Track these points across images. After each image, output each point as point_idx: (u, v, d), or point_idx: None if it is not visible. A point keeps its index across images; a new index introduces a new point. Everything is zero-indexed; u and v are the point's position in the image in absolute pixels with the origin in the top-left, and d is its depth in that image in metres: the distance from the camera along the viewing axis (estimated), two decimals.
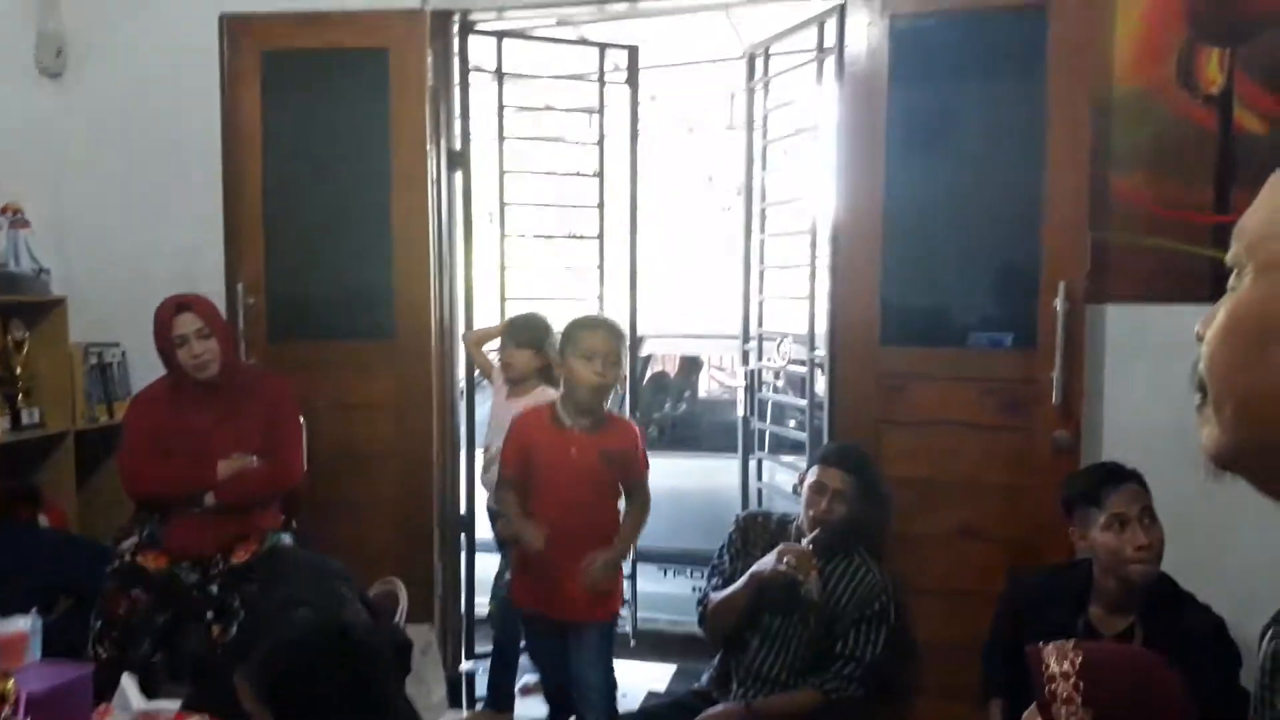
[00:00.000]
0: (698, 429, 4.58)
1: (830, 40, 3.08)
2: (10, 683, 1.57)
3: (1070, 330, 2.58)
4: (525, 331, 3.08)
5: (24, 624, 1.84)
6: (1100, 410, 2.64)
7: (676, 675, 3.55)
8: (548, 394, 2.84)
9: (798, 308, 3.24)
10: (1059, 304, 2.57)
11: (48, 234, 3.32)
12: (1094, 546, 2.17)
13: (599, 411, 2.53)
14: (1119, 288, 2.64)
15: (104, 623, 2.54)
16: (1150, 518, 2.12)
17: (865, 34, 2.85)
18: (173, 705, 1.76)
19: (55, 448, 3.20)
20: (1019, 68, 2.71)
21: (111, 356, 3.39)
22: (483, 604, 3.36)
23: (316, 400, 3.10)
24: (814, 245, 3.17)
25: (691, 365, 4.95)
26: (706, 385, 5.13)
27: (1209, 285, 2.60)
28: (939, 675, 2.72)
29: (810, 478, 2.56)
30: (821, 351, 3.05)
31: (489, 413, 3.18)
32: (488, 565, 3.32)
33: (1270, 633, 0.72)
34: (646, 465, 2.59)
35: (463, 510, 3.35)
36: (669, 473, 3.12)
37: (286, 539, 2.71)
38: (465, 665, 3.29)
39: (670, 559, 3.80)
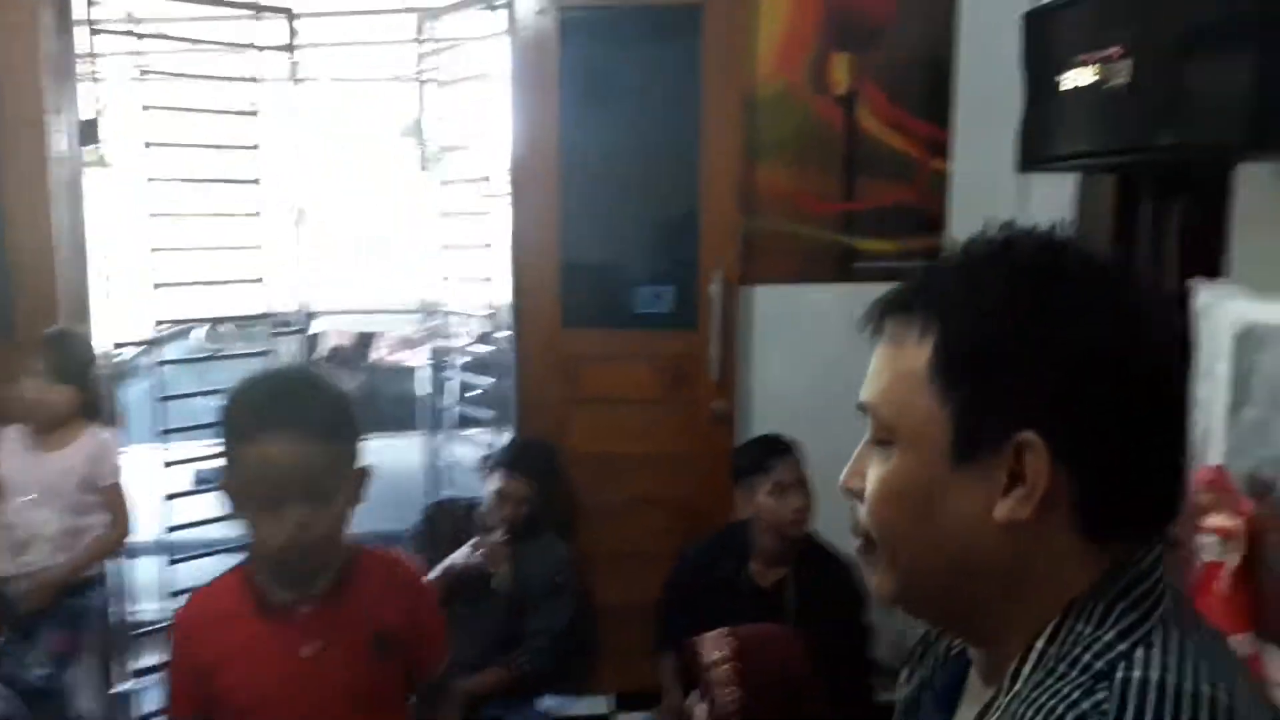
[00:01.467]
0: (375, 406, 4.48)
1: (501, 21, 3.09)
2: None
3: (726, 311, 2.82)
4: (68, 358, 2.34)
5: None
6: (751, 382, 2.93)
7: None
8: (100, 438, 2.39)
9: (483, 286, 3.26)
10: (715, 287, 2.81)
11: None
12: (759, 510, 2.44)
13: (333, 559, 1.35)
14: (766, 270, 2.92)
15: None
16: (804, 485, 2.40)
17: (535, 19, 2.88)
18: None
19: None
20: (682, 62, 2.87)
21: None
22: (147, 610, 3.12)
23: None
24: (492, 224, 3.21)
25: (364, 338, 4.81)
26: (381, 359, 5.00)
27: (833, 267, 2.95)
28: (621, 635, 2.91)
29: (493, 484, 2.62)
30: (506, 333, 3.12)
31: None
32: (148, 568, 3.10)
33: (908, 673, 0.86)
34: (443, 643, 1.49)
35: None
36: None
37: None
38: (125, 685, 3.03)
39: None
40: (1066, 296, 0.67)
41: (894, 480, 0.72)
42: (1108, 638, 0.65)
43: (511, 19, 3.01)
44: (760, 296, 2.91)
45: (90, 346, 2.50)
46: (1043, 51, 1.98)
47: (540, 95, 2.89)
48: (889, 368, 0.73)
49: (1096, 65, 1.79)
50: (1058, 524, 0.67)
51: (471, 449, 3.37)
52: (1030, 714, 0.64)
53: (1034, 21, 2.02)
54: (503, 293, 3.19)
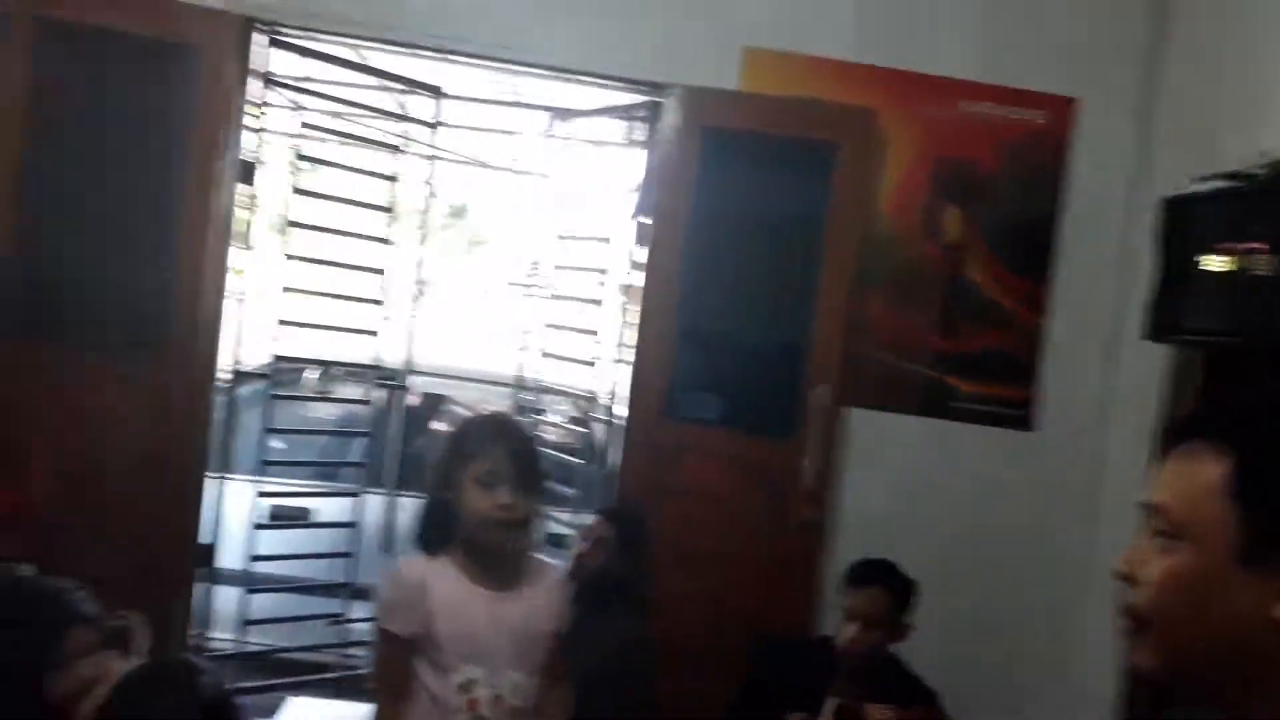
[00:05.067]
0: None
1: (637, 128, 3.34)
2: None
3: (825, 426, 2.98)
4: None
5: None
6: (841, 499, 3.07)
7: None
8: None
9: (582, 369, 3.43)
10: (818, 403, 2.98)
11: None
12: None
13: None
14: (864, 394, 3.10)
15: None
16: (874, 621, 2.39)
17: (676, 134, 3.11)
18: None
19: None
20: (809, 193, 3.10)
21: None
22: (222, 639, 3.18)
23: (49, 412, 2.81)
24: (599, 312, 3.41)
25: (432, 401, 4.93)
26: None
27: (928, 401, 3.13)
28: None
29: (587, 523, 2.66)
30: (601, 416, 3.27)
31: None
32: (227, 596, 3.17)
33: None
34: None
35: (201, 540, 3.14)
36: None
37: (28, 569, 2.42)
38: None
39: None
40: None
41: (1180, 571, 0.85)
42: None
43: (652, 131, 3.26)
44: (856, 418, 3.08)
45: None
46: (1180, 235, 2.20)
47: (673, 205, 3.10)
48: (1183, 478, 0.87)
49: (1237, 256, 2.00)
50: None
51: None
52: None
53: (1174, 207, 2.25)
54: (603, 378, 3.37)
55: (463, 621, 1.72)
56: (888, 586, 2.46)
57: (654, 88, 3.15)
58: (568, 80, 3.34)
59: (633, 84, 3.20)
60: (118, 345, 2.92)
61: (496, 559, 1.77)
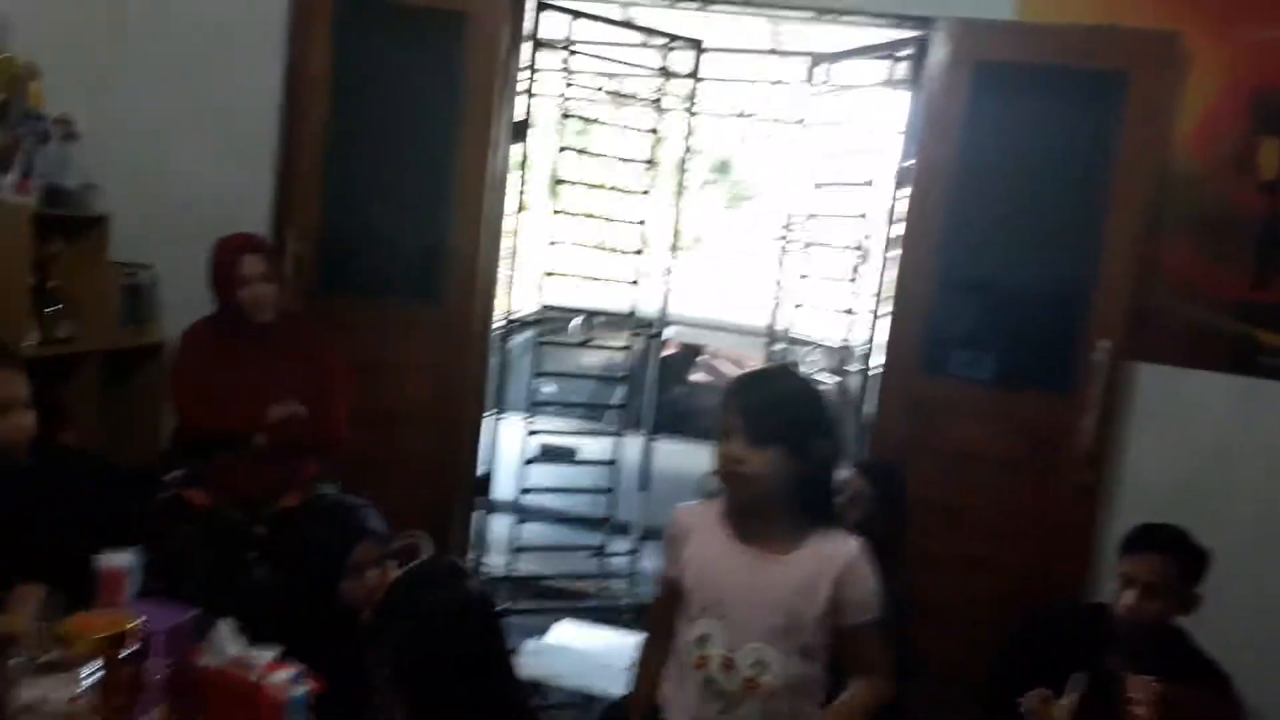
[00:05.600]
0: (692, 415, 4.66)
1: (901, 68, 3.19)
2: (136, 622, 1.59)
3: (1107, 383, 2.74)
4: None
5: (125, 559, 1.86)
6: (1123, 461, 2.82)
7: None
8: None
9: (833, 318, 3.36)
10: (1100, 358, 2.74)
11: (93, 149, 3.24)
12: None
13: None
14: (1154, 349, 2.81)
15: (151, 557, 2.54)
16: (1152, 593, 2.19)
17: (944, 71, 2.94)
18: (267, 654, 1.80)
19: (81, 365, 3.16)
20: (1093, 129, 2.83)
21: (144, 278, 3.35)
22: (494, 563, 3.45)
23: (353, 355, 3.13)
24: (860, 262, 3.31)
25: (690, 351, 5.03)
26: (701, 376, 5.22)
27: (1231, 356, 2.79)
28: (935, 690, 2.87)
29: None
30: (856, 368, 3.19)
31: None
32: (501, 524, 3.44)
33: None
34: None
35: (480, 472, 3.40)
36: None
37: (331, 488, 2.74)
38: None
39: None
40: None
41: None
42: None
43: (917, 69, 3.10)
44: (1144, 373, 2.81)
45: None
46: None
47: (939, 147, 2.95)
48: None
49: None
50: None
51: None
52: None
53: None
54: (860, 328, 3.28)
55: (708, 573, 1.67)
56: (1172, 553, 2.24)
57: (921, 22, 3.00)
58: (831, 21, 3.24)
59: (899, 19, 3.06)
60: (406, 295, 3.21)
61: (758, 517, 1.66)
